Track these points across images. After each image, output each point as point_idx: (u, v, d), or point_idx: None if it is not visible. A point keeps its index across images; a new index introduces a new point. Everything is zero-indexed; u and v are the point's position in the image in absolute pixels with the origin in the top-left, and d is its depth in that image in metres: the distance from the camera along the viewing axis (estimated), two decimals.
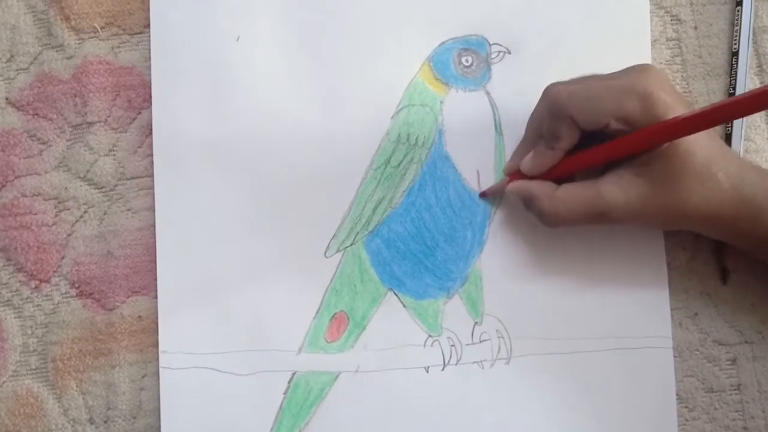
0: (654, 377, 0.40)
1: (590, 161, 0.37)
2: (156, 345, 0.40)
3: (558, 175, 0.38)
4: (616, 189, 0.36)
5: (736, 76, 0.41)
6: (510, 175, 0.40)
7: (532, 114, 0.39)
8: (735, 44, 0.41)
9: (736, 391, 0.40)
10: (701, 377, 0.41)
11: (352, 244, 0.41)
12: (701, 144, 0.35)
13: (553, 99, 0.36)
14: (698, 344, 0.41)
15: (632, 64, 0.36)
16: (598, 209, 0.36)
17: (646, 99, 0.34)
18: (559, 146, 0.36)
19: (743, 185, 0.35)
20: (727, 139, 0.41)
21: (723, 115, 0.33)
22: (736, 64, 0.41)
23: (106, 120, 0.41)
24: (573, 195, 0.37)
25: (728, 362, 0.41)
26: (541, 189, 0.37)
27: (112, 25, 0.42)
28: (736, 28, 0.41)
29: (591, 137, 0.36)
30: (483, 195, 0.41)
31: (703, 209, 0.35)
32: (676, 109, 0.34)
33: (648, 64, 0.37)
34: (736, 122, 0.41)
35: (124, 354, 0.40)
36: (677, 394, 0.40)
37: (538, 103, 0.38)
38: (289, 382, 0.40)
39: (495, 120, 0.41)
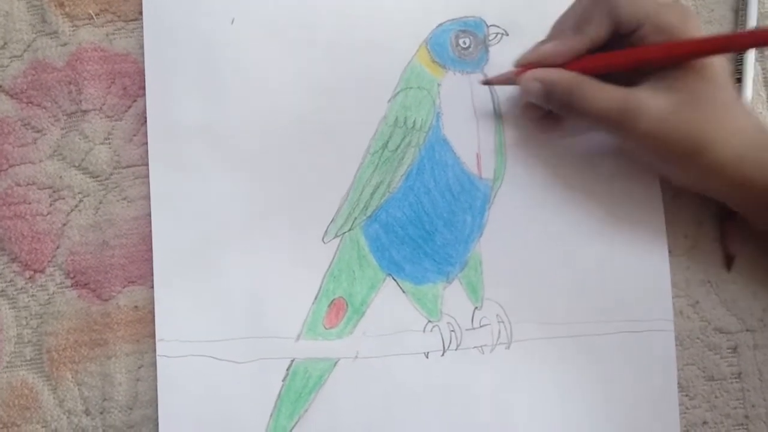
0: (655, 361, 0.40)
1: (616, 62, 0.36)
2: (152, 335, 0.40)
3: (579, 71, 0.36)
4: (647, 95, 0.35)
5: (742, 59, 0.41)
6: (524, 65, 0.37)
7: (564, 12, 0.37)
8: (741, 26, 0.41)
9: (737, 380, 0.40)
10: (702, 365, 0.40)
11: (350, 230, 0.40)
12: (729, 89, 0.35)
13: None
14: (699, 332, 0.40)
15: None
16: (629, 108, 0.35)
17: (686, 15, 0.35)
18: (587, 32, 0.35)
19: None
20: None
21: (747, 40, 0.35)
22: None
23: (101, 108, 0.41)
24: (603, 88, 0.35)
25: (729, 350, 0.40)
26: (567, 74, 0.36)
27: (107, 11, 0.42)
28: (741, 12, 0.41)
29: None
30: (487, 83, 0.40)
31: (726, 145, 0.34)
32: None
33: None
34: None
35: (120, 344, 0.40)
36: (678, 383, 0.39)
37: (575, 2, 0.37)
38: (287, 370, 0.39)
39: (493, 102, 0.41)
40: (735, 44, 0.35)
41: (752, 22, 0.41)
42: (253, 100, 0.41)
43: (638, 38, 0.35)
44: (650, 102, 0.35)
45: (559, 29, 0.38)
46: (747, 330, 0.40)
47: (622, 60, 0.35)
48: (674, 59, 0.35)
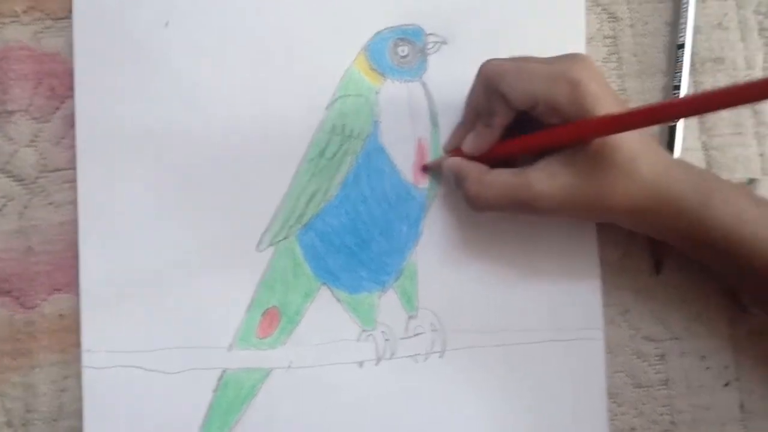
0: (585, 369, 0.40)
1: (524, 147, 0.37)
2: (79, 345, 0.38)
3: (495, 158, 0.37)
4: (543, 178, 0.35)
5: (681, 69, 0.41)
6: (450, 153, 0.40)
7: (469, 92, 0.39)
8: (681, 36, 0.41)
9: (664, 387, 0.41)
10: (630, 373, 0.41)
11: (285, 238, 0.40)
12: (628, 137, 0.35)
13: (485, 74, 0.36)
14: (628, 340, 0.41)
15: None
16: (523, 197, 0.36)
17: (575, 88, 0.34)
18: (495, 123, 0.36)
19: (667, 181, 0.35)
20: (671, 138, 0.41)
21: (660, 114, 0.33)
22: (682, 56, 0.41)
23: (27, 109, 0.40)
24: (500, 180, 0.36)
25: (657, 358, 0.41)
26: (472, 170, 0.37)
27: (34, 9, 0.40)
28: (682, 21, 0.41)
29: (529, 120, 0.36)
30: (424, 168, 0.40)
31: (626, 202, 0.35)
32: (604, 100, 0.34)
33: (581, 54, 0.37)
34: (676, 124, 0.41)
35: (44, 354, 0.39)
36: (607, 390, 0.40)
37: (474, 81, 0.38)
38: (218, 380, 0.39)
39: (431, 111, 0.41)
40: (625, 124, 0.33)
41: (687, 37, 0.41)
42: (186, 105, 0.40)
43: (539, 116, 0.35)
44: (544, 186, 0.35)
45: (470, 109, 0.39)
46: (674, 338, 0.41)
47: (529, 145, 0.36)
48: (571, 142, 0.35)
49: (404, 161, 0.40)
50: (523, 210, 0.36)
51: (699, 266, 0.41)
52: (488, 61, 0.37)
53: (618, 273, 0.41)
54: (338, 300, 0.40)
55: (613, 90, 0.37)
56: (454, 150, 0.39)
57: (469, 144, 0.38)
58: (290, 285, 0.40)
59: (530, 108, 0.35)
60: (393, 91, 0.41)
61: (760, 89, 0.28)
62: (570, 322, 0.41)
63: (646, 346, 0.41)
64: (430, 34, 0.41)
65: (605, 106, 0.34)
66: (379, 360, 0.40)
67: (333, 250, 0.40)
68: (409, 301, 0.40)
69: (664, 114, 0.33)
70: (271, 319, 0.39)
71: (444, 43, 0.41)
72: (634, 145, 0.35)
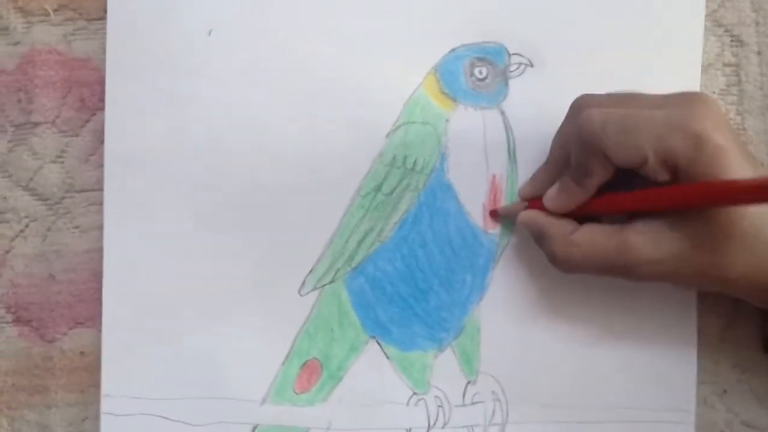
0: None
1: (624, 206, 0.31)
2: (99, 386, 0.35)
3: (582, 213, 0.32)
4: (647, 242, 0.30)
5: None
6: (526, 200, 0.34)
7: (558, 131, 0.33)
8: None
9: None
10: None
11: (331, 282, 0.35)
12: (749, 212, 0.29)
13: (583, 126, 0.30)
14: (724, 425, 0.35)
15: (678, 90, 0.30)
16: (622, 263, 0.30)
17: (696, 140, 0.28)
18: (589, 183, 0.31)
19: None
20: None
21: None
22: None
23: (54, 121, 0.36)
24: (593, 241, 0.31)
25: None
26: (556, 227, 0.32)
27: (67, 8, 0.36)
28: None
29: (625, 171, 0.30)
30: (493, 214, 0.35)
31: (750, 277, 0.29)
32: (732, 158, 0.28)
33: (702, 94, 0.30)
34: None
35: (62, 394, 0.35)
36: None
37: (565, 119, 0.32)
38: None
39: (509, 145, 0.35)
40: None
41: None
42: (226, 124, 0.35)
43: (647, 173, 0.29)
44: (647, 253, 0.30)
45: (557, 150, 0.33)
46: None
47: (631, 204, 0.30)
48: (686, 207, 0.29)
49: (474, 201, 0.35)
50: (619, 275, 0.31)
51: None
52: (584, 101, 0.31)
53: (718, 346, 0.35)
54: (388, 357, 0.35)
55: (738, 136, 0.31)
56: (533, 200, 0.33)
57: (552, 200, 0.32)
58: (334, 336, 0.35)
59: (639, 166, 0.29)
60: (466, 120, 0.35)
61: None
62: (656, 400, 0.35)
63: None
64: (514, 54, 0.35)
65: (733, 165, 0.28)
66: (429, 429, 0.35)
67: (385, 300, 0.35)
68: (468, 363, 0.35)
69: None
70: (311, 372, 0.35)
71: (530, 65, 0.35)
72: (760, 210, 0.29)
